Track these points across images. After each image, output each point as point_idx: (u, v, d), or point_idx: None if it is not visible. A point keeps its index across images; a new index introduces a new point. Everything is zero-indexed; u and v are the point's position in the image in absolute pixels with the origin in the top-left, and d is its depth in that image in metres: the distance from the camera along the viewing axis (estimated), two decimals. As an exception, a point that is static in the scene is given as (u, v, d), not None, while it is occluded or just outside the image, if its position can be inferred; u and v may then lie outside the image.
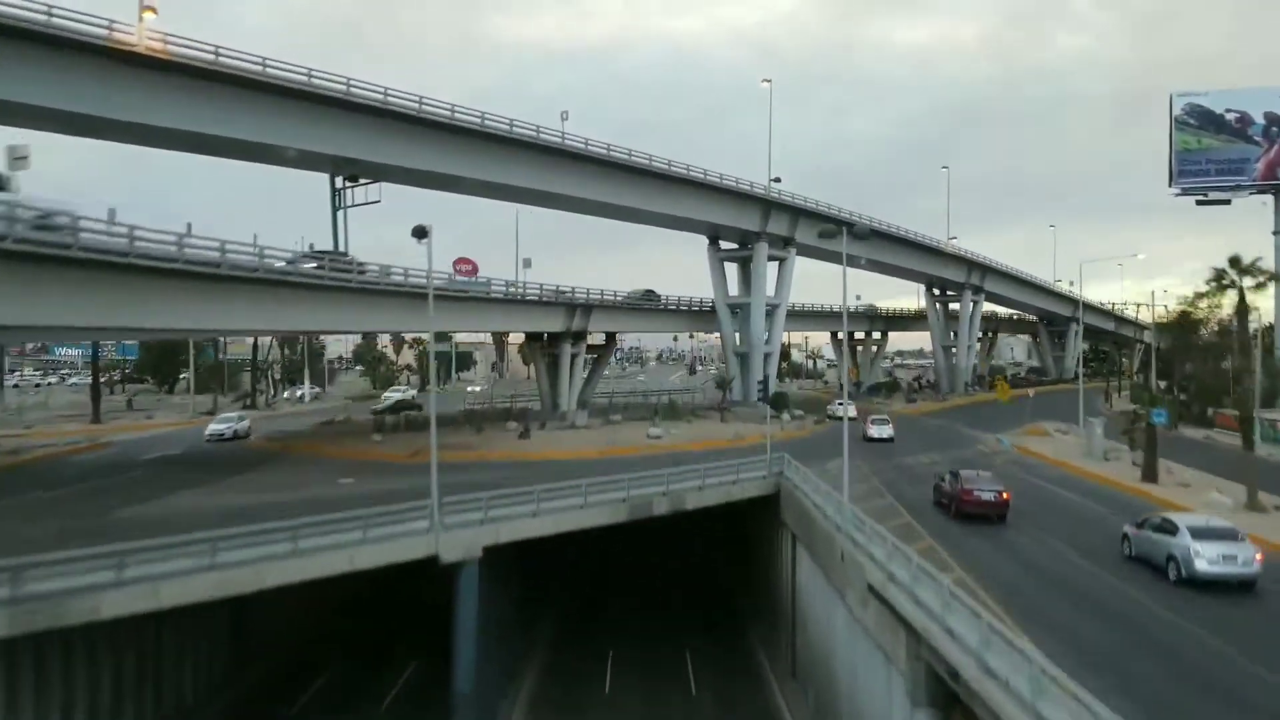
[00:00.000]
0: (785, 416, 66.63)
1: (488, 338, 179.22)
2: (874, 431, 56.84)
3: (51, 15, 34.21)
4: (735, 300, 76.92)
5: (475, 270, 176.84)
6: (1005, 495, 32.37)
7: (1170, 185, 75.11)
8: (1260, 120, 71.49)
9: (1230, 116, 72.26)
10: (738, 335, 77.43)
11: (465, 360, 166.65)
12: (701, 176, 66.02)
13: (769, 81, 73.73)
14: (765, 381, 55.58)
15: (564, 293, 60.37)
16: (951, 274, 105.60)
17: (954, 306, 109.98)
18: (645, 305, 71.28)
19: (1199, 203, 75.42)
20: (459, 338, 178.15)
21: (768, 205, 73.35)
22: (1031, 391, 61.76)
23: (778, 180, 72.83)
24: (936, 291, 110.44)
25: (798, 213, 76.79)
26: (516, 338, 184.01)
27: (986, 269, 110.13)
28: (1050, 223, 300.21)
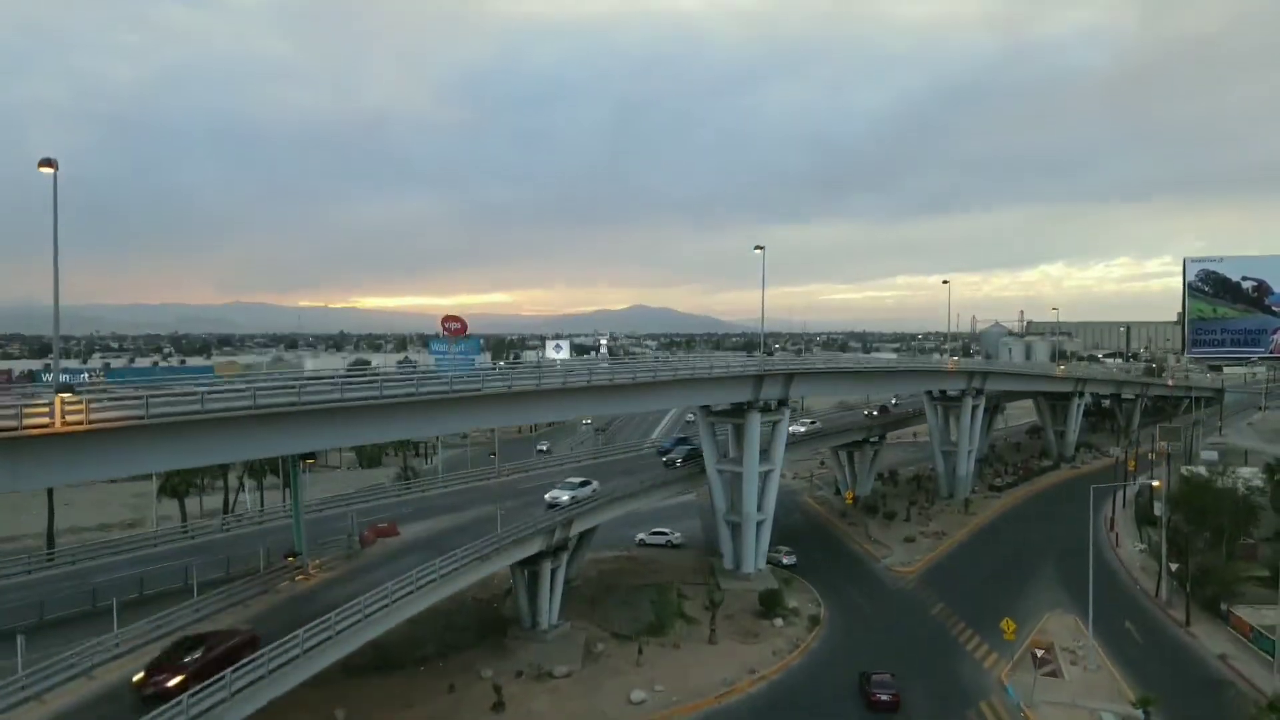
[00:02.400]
0: (778, 620, 63.46)
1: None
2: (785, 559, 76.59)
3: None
4: (727, 468, 73.54)
5: (464, 328, 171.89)
6: (896, 696, 50.22)
7: (1184, 353, 71.62)
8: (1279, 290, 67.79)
9: (1247, 285, 68.73)
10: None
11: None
12: (689, 374, 62.61)
13: (761, 248, 69.68)
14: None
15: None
16: (951, 384, 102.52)
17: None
18: (630, 493, 67.84)
19: (1210, 368, 72.13)
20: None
21: (760, 377, 69.81)
22: (1043, 647, 57.94)
23: (770, 354, 69.23)
24: (936, 394, 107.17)
25: (791, 375, 73.28)
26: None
27: (987, 374, 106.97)
28: (1050, 199, 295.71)
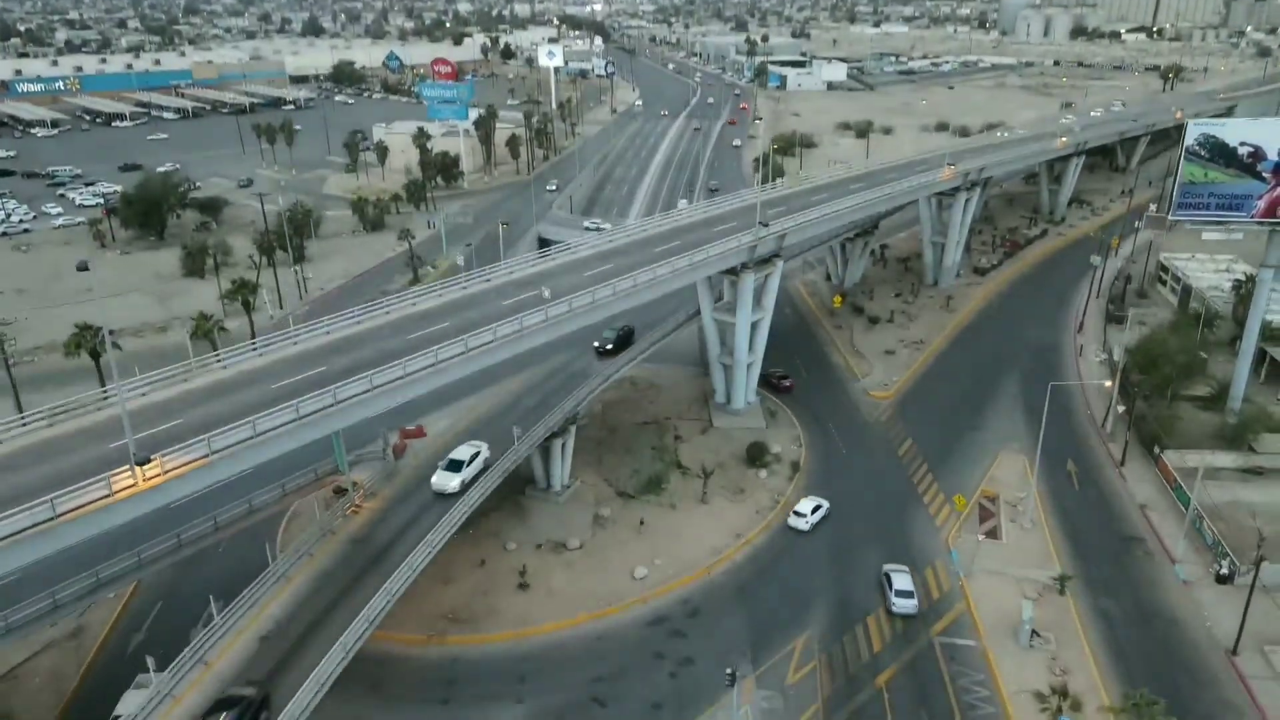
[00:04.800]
0: (762, 471, 71.76)
1: (470, 129, 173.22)
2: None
3: (54, 507, 36.10)
4: (721, 316, 78.15)
5: (455, 73, 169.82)
6: (793, 384, 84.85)
7: (1169, 214, 73.80)
8: (1274, 156, 68.48)
9: (1243, 150, 69.01)
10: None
11: (450, 170, 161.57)
12: (688, 264, 65.84)
13: (759, 119, 68.81)
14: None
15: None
16: (946, 186, 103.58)
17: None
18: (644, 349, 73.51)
19: (1191, 225, 75.05)
20: (437, 137, 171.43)
21: (754, 244, 72.50)
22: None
23: (765, 224, 71.44)
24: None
25: (784, 235, 75.78)
26: (501, 135, 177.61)
27: (984, 167, 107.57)
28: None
